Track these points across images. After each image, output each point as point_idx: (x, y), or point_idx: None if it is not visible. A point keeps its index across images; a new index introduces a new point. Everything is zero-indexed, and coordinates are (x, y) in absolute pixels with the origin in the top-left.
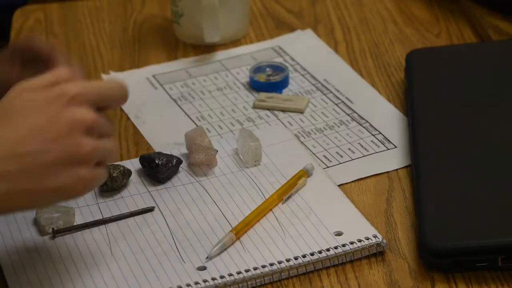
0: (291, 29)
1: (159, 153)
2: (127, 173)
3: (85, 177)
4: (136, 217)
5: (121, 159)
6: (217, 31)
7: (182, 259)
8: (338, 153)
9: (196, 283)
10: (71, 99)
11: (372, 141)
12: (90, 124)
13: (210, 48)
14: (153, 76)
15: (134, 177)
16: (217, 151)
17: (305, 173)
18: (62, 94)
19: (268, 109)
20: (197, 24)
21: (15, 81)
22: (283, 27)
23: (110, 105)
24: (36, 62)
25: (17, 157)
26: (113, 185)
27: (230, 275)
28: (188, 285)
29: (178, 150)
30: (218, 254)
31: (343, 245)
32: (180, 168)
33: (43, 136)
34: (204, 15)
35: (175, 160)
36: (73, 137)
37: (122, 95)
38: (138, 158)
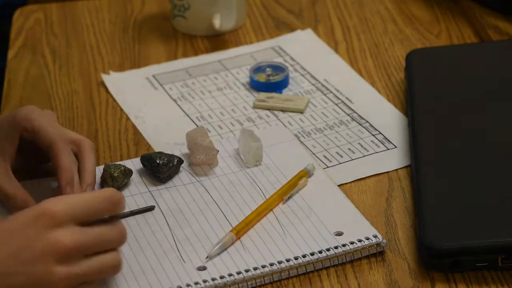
0: (291, 29)
1: (160, 153)
2: (128, 172)
3: None
4: (136, 217)
5: (122, 159)
6: (233, 16)
7: (182, 259)
8: (338, 153)
9: (196, 283)
10: (52, 218)
11: (372, 141)
12: (67, 249)
13: (210, 48)
14: (153, 76)
15: (135, 177)
16: (218, 151)
17: (306, 174)
18: (42, 213)
19: (268, 109)
20: (207, 14)
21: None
22: (283, 27)
23: (102, 216)
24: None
25: None
26: (114, 184)
27: (230, 275)
28: (188, 285)
29: (179, 150)
30: (218, 254)
31: (343, 245)
32: (181, 168)
33: (17, 259)
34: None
35: (176, 160)
36: (46, 263)
37: (114, 206)
38: (139, 157)
